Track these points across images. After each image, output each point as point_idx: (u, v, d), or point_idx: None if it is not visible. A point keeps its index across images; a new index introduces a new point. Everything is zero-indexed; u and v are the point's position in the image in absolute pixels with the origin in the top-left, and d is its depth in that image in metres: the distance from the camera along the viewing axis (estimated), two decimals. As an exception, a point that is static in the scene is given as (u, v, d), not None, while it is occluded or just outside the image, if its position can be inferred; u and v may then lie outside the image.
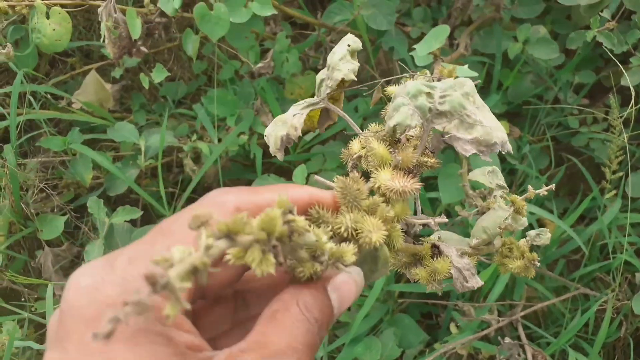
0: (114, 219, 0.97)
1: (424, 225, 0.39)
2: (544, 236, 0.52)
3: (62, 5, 0.91)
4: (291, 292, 0.29)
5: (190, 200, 1.35)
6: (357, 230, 0.30)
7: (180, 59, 1.50)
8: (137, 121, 1.21)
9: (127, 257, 0.26)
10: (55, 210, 1.02)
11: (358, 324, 0.84)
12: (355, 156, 0.37)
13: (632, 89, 0.85)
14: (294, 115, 0.38)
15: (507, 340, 0.80)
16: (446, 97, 0.34)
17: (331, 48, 1.27)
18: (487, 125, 0.32)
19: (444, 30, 0.93)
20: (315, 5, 1.48)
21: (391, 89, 0.42)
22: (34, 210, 0.95)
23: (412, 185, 0.33)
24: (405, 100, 0.34)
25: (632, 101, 0.83)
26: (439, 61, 0.95)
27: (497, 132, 0.33)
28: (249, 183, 1.11)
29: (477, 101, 0.34)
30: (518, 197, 0.48)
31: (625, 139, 0.93)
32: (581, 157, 1.22)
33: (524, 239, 0.50)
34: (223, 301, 0.34)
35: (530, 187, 0.52)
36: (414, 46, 0.94)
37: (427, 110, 0.33)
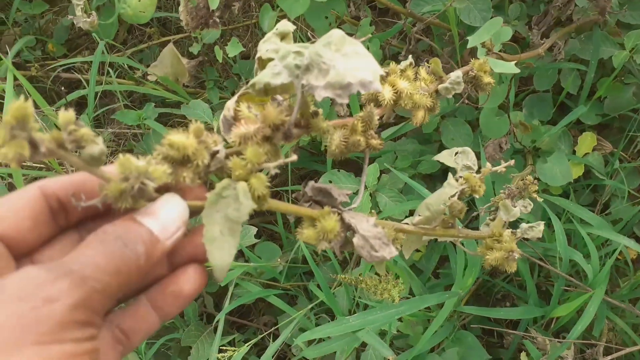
0: (182, 201, 0.95)
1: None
2: (537, 228, 0.48)
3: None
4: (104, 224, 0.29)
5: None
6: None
7: (256, 36, 1.47)
8: (210, 98, 1.19)
9: None
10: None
11: (424, 343, 0.80)
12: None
13: None
14: (232, 98, 0.38)
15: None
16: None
17: (416, 39, 1.21)
18: (340, 68, 0.31)
19: (496, 22, 0.88)
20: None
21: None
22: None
23: (255, 127, 0.32)
24: (273, 63, 0.33)
25: None
26: (492, 56, 0.88)
27: (356, 72, 0.31)
28: (317, 174, 1.07)
29: (345, 49, 0.32)
30: (474, 175, 0.43)
31: None
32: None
33: (510, 230, 0.47)
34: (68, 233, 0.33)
35: (488, 164, 0.47)
36: (468, 37, 0.89)
37: (294, 67, 0.32)
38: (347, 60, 0.31)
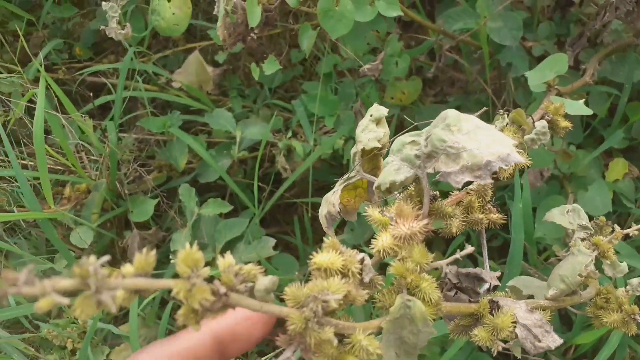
0: (204, 211, 0.95)
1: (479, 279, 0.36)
2: None
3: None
4: None
5: (282, 199, 1.31)
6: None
7: (278, 45, 1.47)
8: (232, 107, 1.19)
9: None
10: (147, 192, 1.02)
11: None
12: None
13: None
14: (333, 192, 0.37)
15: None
16: (428, 138, 0.32)
17: (445, 56, 1.19)
18: (471, 148, 0.29)
19: (561, 59, 0.85)
20: (424, 2, 1.39)
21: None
22: (127, 191, 0.95)
23: (419, 225, 0.30)
24: (390, 159, 0.33)
25: None
26: (552, 92, 0.86)
27: (490, 148, 0.29)
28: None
29: (465, 127, 0.31)
30: (603, 238, 0.41)
31: None
32: None
33: (623, 289, 0.44)
34: None
35: (617, 227, 0.45)
36: (526, 73, 0.88)
37: (414, 157, 0.32)
38: (473, 139, 0.30)
